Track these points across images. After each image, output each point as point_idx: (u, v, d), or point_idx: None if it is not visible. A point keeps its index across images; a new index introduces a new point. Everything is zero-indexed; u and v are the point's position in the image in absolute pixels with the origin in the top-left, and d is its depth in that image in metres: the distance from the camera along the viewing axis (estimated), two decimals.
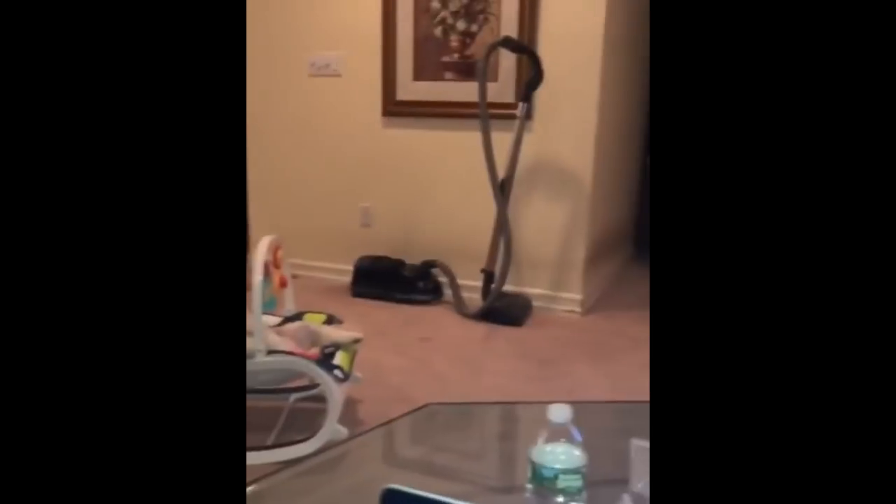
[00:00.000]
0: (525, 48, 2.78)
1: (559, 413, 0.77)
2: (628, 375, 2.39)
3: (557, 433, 0.78)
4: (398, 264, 3.16)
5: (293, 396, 1.90)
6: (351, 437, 1.33)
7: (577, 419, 1.09)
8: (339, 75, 3.26)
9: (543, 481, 0.77)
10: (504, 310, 2.89)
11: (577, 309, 3.02)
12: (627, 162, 3.71)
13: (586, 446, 0.83)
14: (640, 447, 0.99)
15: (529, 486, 0.79)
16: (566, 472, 0.76)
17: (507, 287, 2.97)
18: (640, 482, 0.89)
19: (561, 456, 0.77)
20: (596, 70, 2.80)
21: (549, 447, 0.78)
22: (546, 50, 2.82)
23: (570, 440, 0.79)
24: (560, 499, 0.77)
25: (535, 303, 3.03)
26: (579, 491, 0.78)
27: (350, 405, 1.97)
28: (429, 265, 3.11)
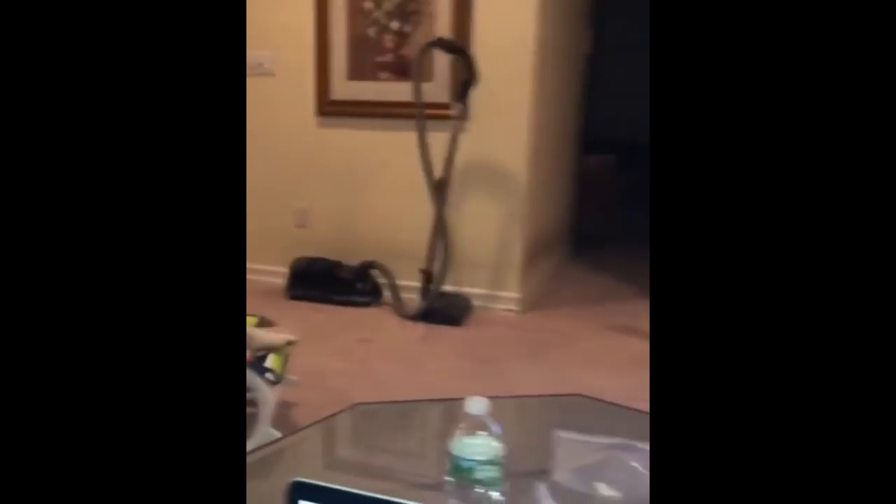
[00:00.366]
0: (459, 49, 2.80)
1: (476, 406, 0.78)
2: (564, 371, 2.43)
3: (475, 425, 0.79)
4: (336, 266, 3.13)
5: None
6: (276, 440, 1.31)
7: (508, 414, 1.10)
8: (272, 75, 3.21)
9: (462, 473, 0.78)
10: (443, 310, 2.90)
11: (516, 307, 3.05)
12: (563, 162, 3.78)
13: (515, 440, 0.84)
14: (562, 438, 1.01)
15: (449, 478, 0.80)
16: (484, 463, 0.77)
17: (447, 287, 2.98)
18: (560, 472, 0.91)
19: (479, 448, 0.78)
20: (529, 72, 2.84)
21: (467, 440, 0.78)
22: (480, 51, 2.84)
23: (489, 432, 0.79)
24: (479, 489, 0.78)
25: (474, 302, 3.05)
26: (497, 482, 0.78)
27: (286, 409, 1.94)
28: (367, 266, 3.09)
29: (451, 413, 1.29)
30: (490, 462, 0.78)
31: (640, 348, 2.63)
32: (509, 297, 3.07)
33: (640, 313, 3.01)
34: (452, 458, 0.78)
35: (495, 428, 0.80)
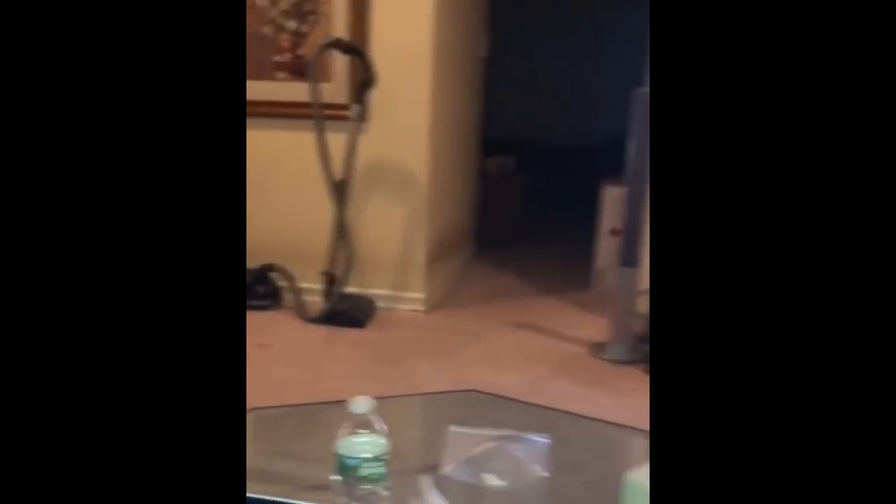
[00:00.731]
0: (356, 50, 2.79)
1: (360, 405, 0.79)
2: (467, 370, 2.47)
3: (360, 424, 0.79)
4: None
5: None
6: None
7: (402, 412, 1.11)
8: None
9: (348, 471, 0.78)
10: (346, 312, 2.87)
11: (421, 308, 3.07)
12: (464, 163, 3.83)
13: (407, 437, 0.85)
14: (452, 432, 1.03)
15: (336, 477, 0.80)
16: (368, 460, 0.78)
17: (350, 289, 2.96)
18: (448, 465, 0.93)
19: (363, 445, 0.78)
20: (427, 73, 2.87)
21: (352, 438, 0.79)
22: (378, 53, 2.84)
23: (373, 430, 0.80)
24: (365, 486, 0.78)
25: (378, 303, 3.05)
26: (382, 478, 0.79)
27: None
28: (267, 269, 3.03)
29: (342, 415, 1.29)
30: (375, 459, 0.78)
31: (541, 345, 2.71)
32: (414, 297, 3.08)
33: (541, 310, 3.11)
34: (338, 458, 0.79)
35: (380, 425, 0.80)
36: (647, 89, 2.35)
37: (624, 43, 4.33)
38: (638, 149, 2.47)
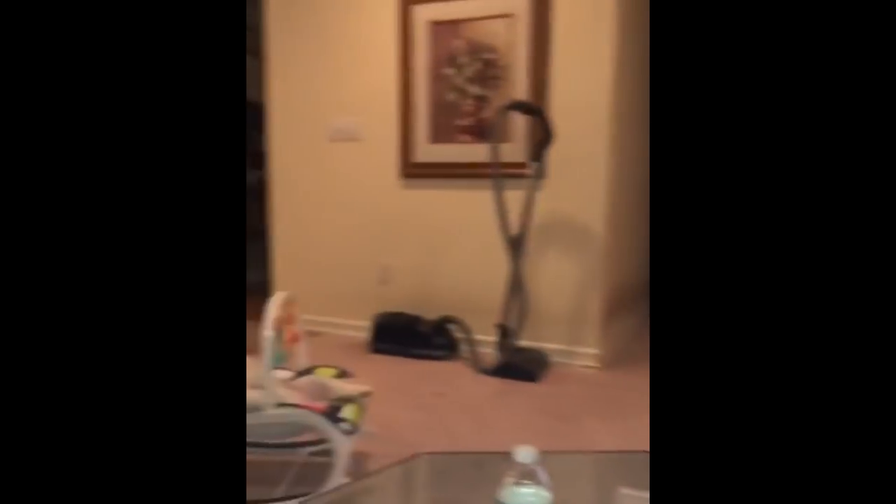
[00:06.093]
0: (535, 110, 2.89)
1: (525, 455, 0.81)
2: (641, 430, 2.37)
3: (524, 474, 0.82)
4: (415, 320, 3.22)
5: (306, 450, 1.94)
6: (344, 484, 1.37)
7: (571, 468, 1.11)
8: (358, 140, 3.41)
9: None
10: (520, 365, 2.90)
11: (595, 363, 3.02)
12: (642, 216, 3.75)
13: (573, 494, 0.85)
14: (625, 496, 1.01)
15: None
16: None
17: (524, 342, 2.99)
18: None
19: (528, 497, 0.80)
20: (605, 129, 2.88)
21: (516, 489, 0.81)
22: (557, 112, 2.92)
23: (538, 482, 0.82)
24: None
25: (551, 358, 3.04)
26: None
27: (361, 459, 1.99)
28: (445, 321, 3.16)
29: (507, 466, 1.31)
30: None
31: None
32: (588, 352, 3.04)
33: None
34: None
35: (545, 478, 0.82)
36: None
37: None
38: None
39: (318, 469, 1.90)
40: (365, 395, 1.82)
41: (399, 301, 3.38)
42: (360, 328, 3.44)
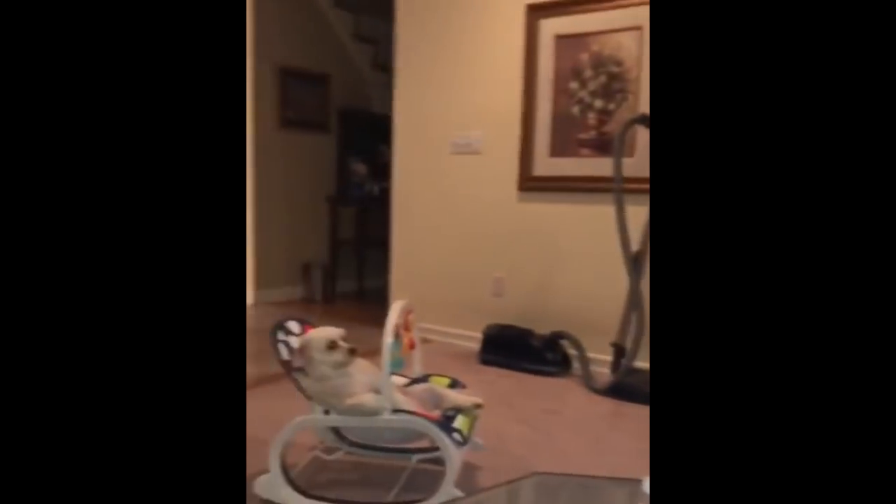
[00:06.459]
0: None
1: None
2: None
3: None
4: (527, 334, 3.20)
5: (416, 457, 1.97)
6: (457, 499, 1.38)
7: None
8: (478, 153, 3.44)
9: None
10: (634, 386, 2.81)
11: None
12: None
13: None
14: None
15: None
16: None
17: (639, 363, 2.90)
18: None
19: None
20: None
21: None
22: None
23: None
24: None
25: None
26: None
27: (470, 471, 2.00)
28: (558, 336, 3.12)
29: (632, 495, 1.27)
30: None
31: None
32: None
33: None
34: None
35: None
36: None
37: None
38: None
39: (426, 476, 1.93)
40: (477, 406, 1.83)
41: (511, 314, 3.37)
42: (471, 338, 3.46)
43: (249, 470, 1.91)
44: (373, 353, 1.85)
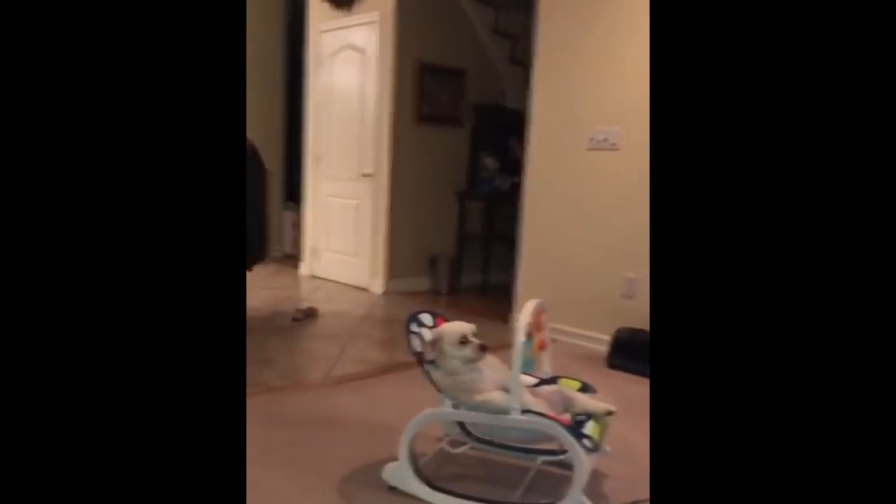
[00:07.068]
0: None
1: None
2: None
3: None
4: None
5: (540, 459, 1.94)
6: None
7: None
8: (615, 149, 3.34)
9: None
10: None
11: None
12: None
13: None
14: None
15: None
16: None
17: None
18: None
19: None
20: None
21: None
22: None
23: None
24: None
25: None
26: None
27: (595, 478, 1.95)
28: None
29: None
30: None
31: None
32: None
33: None
34: None
35: None
36: None
37: None
38: None
39: (550, 479, 1.90)
40: (609, 413, 1.77)
41: (643, 317, 3.24)
42: (598, 340, 3.37)
43: (378, 456, 1.96)
44: (496, 348, 1.84)
